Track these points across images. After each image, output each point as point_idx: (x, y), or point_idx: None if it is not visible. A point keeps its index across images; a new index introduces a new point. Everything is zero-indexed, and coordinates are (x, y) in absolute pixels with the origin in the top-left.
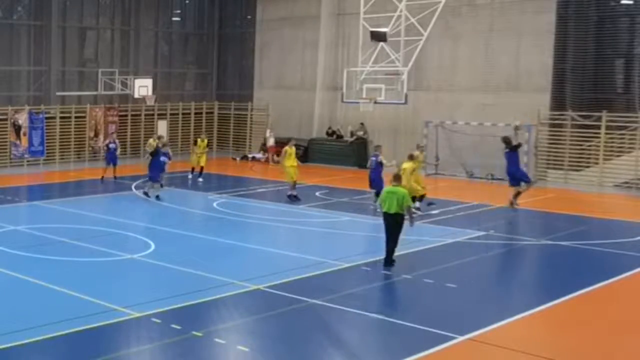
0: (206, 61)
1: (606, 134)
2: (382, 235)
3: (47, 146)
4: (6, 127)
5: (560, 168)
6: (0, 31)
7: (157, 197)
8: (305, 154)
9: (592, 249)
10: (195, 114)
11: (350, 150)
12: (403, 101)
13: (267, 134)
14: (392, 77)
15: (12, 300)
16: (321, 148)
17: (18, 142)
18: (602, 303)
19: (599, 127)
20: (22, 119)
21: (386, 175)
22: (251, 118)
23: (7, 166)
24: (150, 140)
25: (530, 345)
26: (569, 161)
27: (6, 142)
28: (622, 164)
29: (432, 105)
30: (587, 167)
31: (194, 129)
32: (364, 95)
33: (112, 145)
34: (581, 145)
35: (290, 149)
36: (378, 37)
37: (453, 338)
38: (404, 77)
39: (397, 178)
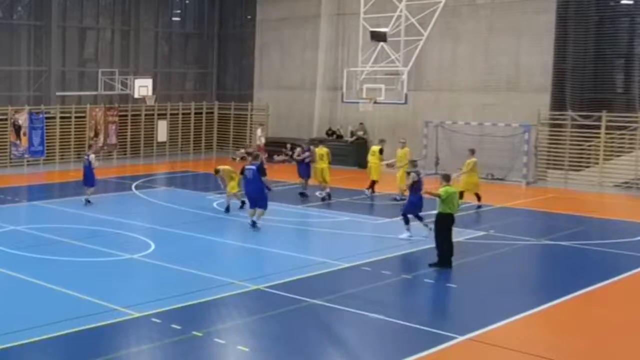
0: (206, 61)
1: (606, 134)
2: (382, 236)
3: (47, 146)
4: (6, 127)
5: (561, 168)
6: (0, 31)
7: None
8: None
9: (591, 249)
10: (195, 114)
11: (350, 151)
12: (403, 101)
13: (259, 133)
14: (392, 77)
15: (12, 301)
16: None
17: (18, 142)
18: (601, 303)
19: (599, 127)
20: (22, 119)
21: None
22: (251, 118)
23: (7, 166)
24: None
25: (530, 346)
26: (569, 161)
27: (6, 142)
28: (622, 164)
29: (432, 105)
30: (587, 167)
31: (194, 129)
32: (364, 95)
33: None
34: (581, 145)
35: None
36: (378, 37)
37: (453, 338)
38: (404, 77)
39: (447, 178)
